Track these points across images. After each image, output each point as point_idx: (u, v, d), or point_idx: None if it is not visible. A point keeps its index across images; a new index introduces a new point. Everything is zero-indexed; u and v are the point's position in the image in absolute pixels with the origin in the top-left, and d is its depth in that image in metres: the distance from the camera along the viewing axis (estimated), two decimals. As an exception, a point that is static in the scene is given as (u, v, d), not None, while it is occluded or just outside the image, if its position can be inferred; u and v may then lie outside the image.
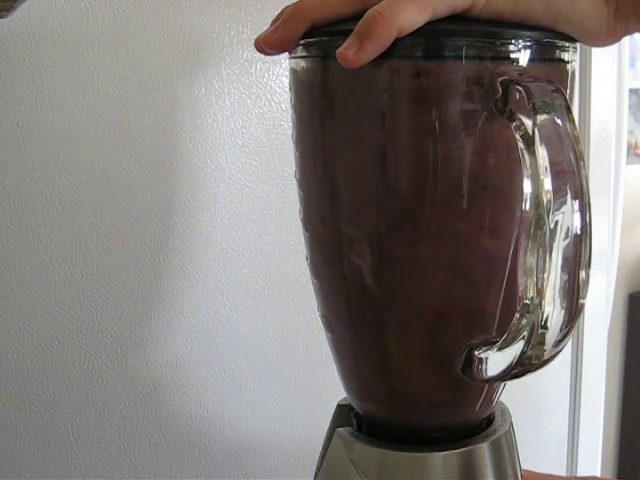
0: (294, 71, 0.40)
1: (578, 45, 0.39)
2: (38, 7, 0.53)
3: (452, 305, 0.38)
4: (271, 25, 0.38)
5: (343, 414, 0.45)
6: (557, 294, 0.33)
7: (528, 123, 0.33)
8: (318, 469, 0.45)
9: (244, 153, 0.64)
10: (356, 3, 0.35)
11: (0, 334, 0.56)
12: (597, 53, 0.89)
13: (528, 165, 0.33)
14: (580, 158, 0.33)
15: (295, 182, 0.42)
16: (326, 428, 0.46)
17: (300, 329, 0.69)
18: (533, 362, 0.35)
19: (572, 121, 0.33)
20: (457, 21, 0.34)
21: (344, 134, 0.37)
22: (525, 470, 0.45)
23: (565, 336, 0.34)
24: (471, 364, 0.38)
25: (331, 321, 0.43)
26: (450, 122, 0.35)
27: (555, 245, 0.32)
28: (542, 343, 0.34)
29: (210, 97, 0.61)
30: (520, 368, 0.35)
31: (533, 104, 0.32)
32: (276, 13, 0.39)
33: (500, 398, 0.44)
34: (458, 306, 0.39)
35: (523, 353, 0.34)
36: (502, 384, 0.42)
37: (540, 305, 0.33)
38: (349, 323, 0.42)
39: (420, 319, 0.39)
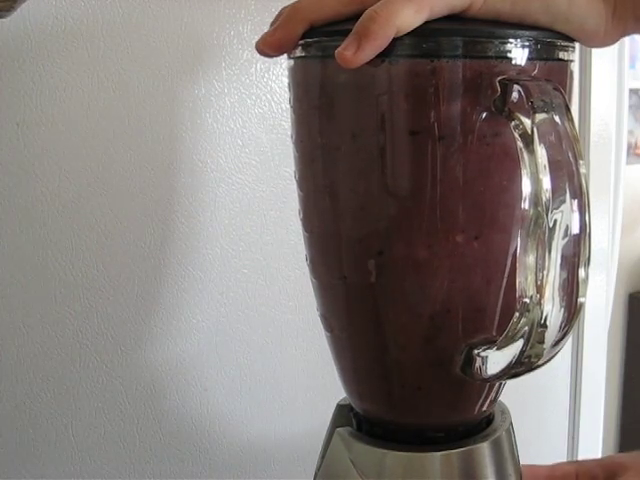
0: (293, 71, 0.40)
1: (577, 45, 0.39)
2: (38, 7, 0.53)
3: (451, 304, 0.38)
4: (270, 26, 0.38)
5: (343, 414, 0.45)
6: (556, 292, 0.33)
7: (527, 122, 0.33)
8: (318, 469, 0.45)
9: (244, 153, 0.64)
10: (354, 3, 0.35)
11: (0, 334, 0.56)
12: (597, 53, 0.89)
13: (527, 164, 0.33)
14: (579, 157, 0.33)
15: (295, 182, 0.42)
16: (326, 428, 0.46)
17: (300, 329, 0.69)
18: (532, 361, 0.35)
19: (571, 120, 0.33)
20: (455, 21, 0.34)
21: (343, 134, 0.37)
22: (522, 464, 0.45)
23: (564, 335, 0.34)
24: (471, 363, 0.38)
25: (330, 321, 0.43)
26: (449, 121, 0.35)
27: (554, 243, 0.32)
28: (541, 342, 0.34)
29: (210, 97, 0.61)
30: (520, 367, 0.35)
31: (532, 103, 0.33)
32: (276, 13, 0.39)
33: (500, 398, 0.44)
34: (457, 305, 0.39)
35: (522, 352, 0.34)
36: (502, 383, 0.42)
37: (539, 303, 0.33)
38: (348, 323, 0.42)
39: (419, 319, 0.39)
